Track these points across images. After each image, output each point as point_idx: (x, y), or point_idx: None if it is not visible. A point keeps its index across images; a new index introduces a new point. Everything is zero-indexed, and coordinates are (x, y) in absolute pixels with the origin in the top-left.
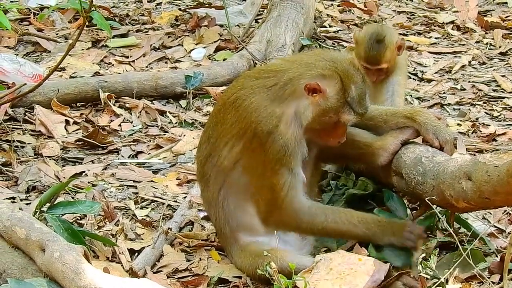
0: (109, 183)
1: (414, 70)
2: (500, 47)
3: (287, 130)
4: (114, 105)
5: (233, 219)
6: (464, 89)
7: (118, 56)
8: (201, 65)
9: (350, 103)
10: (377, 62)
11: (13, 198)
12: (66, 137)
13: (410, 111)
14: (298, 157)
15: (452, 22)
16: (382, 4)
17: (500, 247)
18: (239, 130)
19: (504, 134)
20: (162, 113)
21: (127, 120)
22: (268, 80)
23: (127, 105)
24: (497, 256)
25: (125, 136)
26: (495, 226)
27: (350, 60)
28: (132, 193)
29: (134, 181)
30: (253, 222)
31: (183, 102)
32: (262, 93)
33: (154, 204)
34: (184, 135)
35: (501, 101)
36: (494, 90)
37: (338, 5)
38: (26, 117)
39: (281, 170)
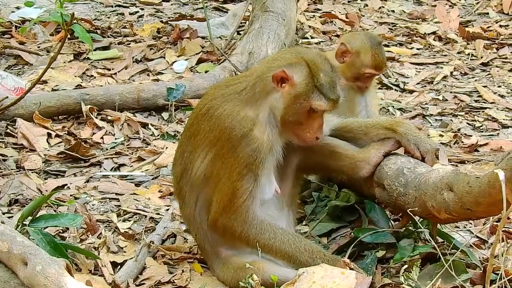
0: (92, 196)
1: (396, 81)
2: (481, 57)
3: (261, 134)
4: (96, 117)
5: (212, 234)
6: (446, 100)
7: (100, 68)
8: (183, 77)
9: (320, 88)
10: (384, 66)
11: None
12: (48, 150)
13: (390, 122)
14: (268, 165)
15: (434, 32)
16: (363, 15)
17: (482, 257)
18: (213, 138)
19: (486, 144)
20: (144, 125)
21: (109, 132)
22: (239, 85)
23: (109, 117)
24: (480, 269)
25: (107, 149)
26: (477, 237)
27: (318, 52)
28: (115, 205)
29: (116, 193)
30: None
31: (165, 115)
32: (234, 100)
33: (136, 217)
34: (167, 148)
35: (483, 111)
36: (476, 101)
37: (320, 17)
38: (8, 130)
39: (247, 176)
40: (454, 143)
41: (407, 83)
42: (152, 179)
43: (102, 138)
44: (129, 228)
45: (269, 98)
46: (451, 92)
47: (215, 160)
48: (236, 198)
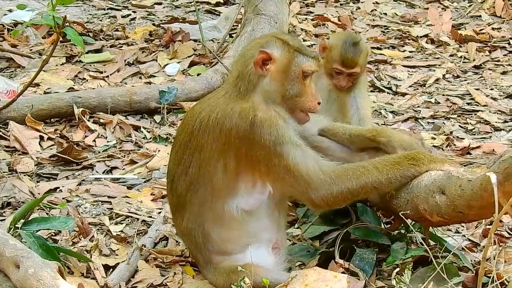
0: (84, 198)
1: (388, 84)
2: (474, 60)
3: (267, 114)
4: (88, 120)
5: (205, 247)
6: (438, 103)
7: (92, 71)
8: (175, 80)
9: (300, 51)
10: (353, 65)
11: None
12: (40, 153)
13: (372, 132)
14: (291, 132)
15: (426, 35)
16: (356, 18)
17: (474, 260)
18: (223, 146)
19: (478, 147)
20: (137, 128)
21: (102, 135)
22: (221, 90)
23: (101, 120)
24: (472, 272)
25: (99, 152)
26: (469, 240)
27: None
28: (107, 208)
29: (108, 196)
30: (226, 246)
31: (157, 117)
32: (221, 103)
33: (128, 220)
34: (159, 151)
35: (475, 114)
36: (468, 104)
37: (312, 19)
38: (0, 133)
39: (284, 150)
40: (447, 146)
41: (400, 86)
42: (144, 182)
43: (94, 141)
44: (121, 231)
45: (259, 88)
46: (443, 95)
47: (241, 164)
48: (297, 173)
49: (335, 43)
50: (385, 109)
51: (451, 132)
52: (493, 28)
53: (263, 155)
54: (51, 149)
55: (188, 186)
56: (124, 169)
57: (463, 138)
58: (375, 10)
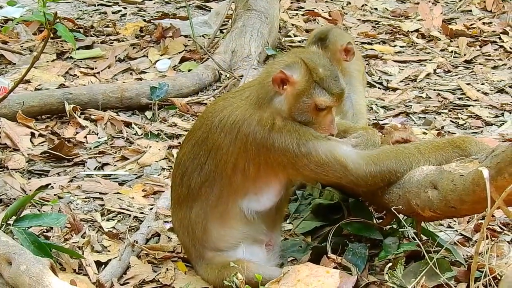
0: (75, 195)
1: (379, 79)
2: (465, 55)
3: (285, 122)
4: (79, 117)
5: (201, 242)
6: (430, 98)
7: (83, 67)
8: (166, 76)
9: (320, 83)
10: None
11: None
12: (31, 150)
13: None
14: (310, 129)
15: (417, 30)
16: (346, 13)
17: (467, 255)
18: (239, 150)
19: None
20: (128, 124)
21: (93, 132)
22: (244, 92)
23: (92, 117)
24: (465, 266)
25: (90, 148)
26: (462, 235)
27: (314, 50)
28: (98, 205)
29: (100, 193)
30: (221, 243)
31: (148, 114)
32: (242, 106)
33: (120, 216)
34: (150, 147)
35: (466, 109)
36: (459, 98)
37: (303, 15)
38: None
39: (310, 147)
40: None
41: (390, 81)
42: (136, 178)
43: (85, 137)
44: (113, 227)
45: (272, 103)
46: (434, 90)
47: (261, 169)
48: (332, 165)
49: (309, 37)
50: (376, 104)
51: (442, 127)
52: (483, 23)
53: (288, 160)
54: (42, 145)
55: (203, 181)
56: (115, 165)
57: (454, 133)
58: (366, 5)
